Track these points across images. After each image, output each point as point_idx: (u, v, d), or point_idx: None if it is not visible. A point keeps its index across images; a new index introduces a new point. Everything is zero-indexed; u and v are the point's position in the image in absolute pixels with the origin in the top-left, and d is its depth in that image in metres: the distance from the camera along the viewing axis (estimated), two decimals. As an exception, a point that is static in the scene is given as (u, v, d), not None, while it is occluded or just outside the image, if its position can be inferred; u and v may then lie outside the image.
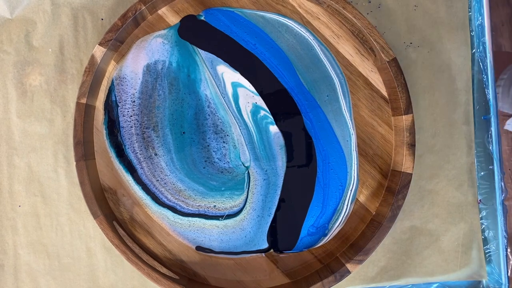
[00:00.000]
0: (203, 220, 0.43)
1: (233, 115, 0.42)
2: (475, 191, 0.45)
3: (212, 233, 0.43)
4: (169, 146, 0.42)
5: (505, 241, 0.45)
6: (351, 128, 0.43)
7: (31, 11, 0.44)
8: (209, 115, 0.42)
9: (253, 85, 0.42)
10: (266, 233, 0.43)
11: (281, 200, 0.43)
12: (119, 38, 0.41)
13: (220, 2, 0.43)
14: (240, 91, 0.42)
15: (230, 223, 0.43)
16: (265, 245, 0.43)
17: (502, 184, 0.45)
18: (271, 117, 0.42)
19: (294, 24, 0.43)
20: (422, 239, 0.44)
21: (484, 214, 0.45)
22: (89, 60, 0.40)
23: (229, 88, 0.42)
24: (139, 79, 0.42)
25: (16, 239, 0.44)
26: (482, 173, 0.45)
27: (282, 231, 0.43)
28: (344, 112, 0.43)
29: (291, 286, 0.42)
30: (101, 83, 0.42)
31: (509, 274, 0.45)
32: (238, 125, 0.42)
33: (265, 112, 0.42)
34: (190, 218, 0.43)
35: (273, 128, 0.42)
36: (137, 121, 0.42)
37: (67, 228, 0.44)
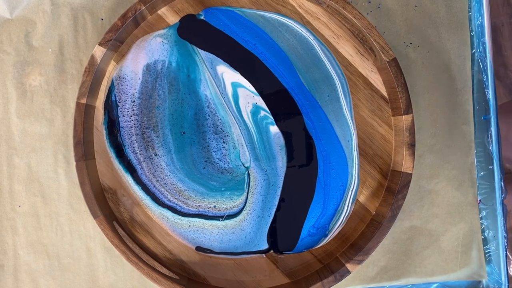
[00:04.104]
0: (203, 221, 0.42)
1: (233, 115, 0.42)
2: (475, 191, 0.45)
3: (212, 233, 0.43)
4: (169, 146, 0.42)
5: (505, 241, 0.45)
6: (352, 128, 0.43)
7: (31, 11, 0.44)
8: (209, 115, 0.42)
9: (253, 85, 0.42)
10: (266, 233, 0.43)
11: (281, 201, 0.43)
12: (119, 38, 0.41)
13: (220, 2, 0.43)
14: (240, 91, 0.42)
15: (230, 223, 0.43)
16: (265, 245, 0.43)
17: (502, 184, 0.45)
18: (271, 117, 0.42)
19: (294, 24, 0.43)
20: (422, 239, 0.44)
21: (484, 214, 0.45)
22: (89, 60, 0.40)
23: (229, 88, 0.42)
24: (139, 79, 0.42)
25: (16, 239, 0.44)
26: (482, 173, 0.45)
27: (282, 231, 0.43)
28: (345, 112, 0.43)
29: (291, 286, 0.42)
30: (101, 83, 0.42)
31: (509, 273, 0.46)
32: (238, 126, 0.42)
33: (265, 112, 0.42)
34: (190, 219, 0.43)
35: (273, 129, 0.42)
36: (137, 121, 0.42)
37: (67, 228, 0.44)
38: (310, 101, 0.42)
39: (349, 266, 0.40)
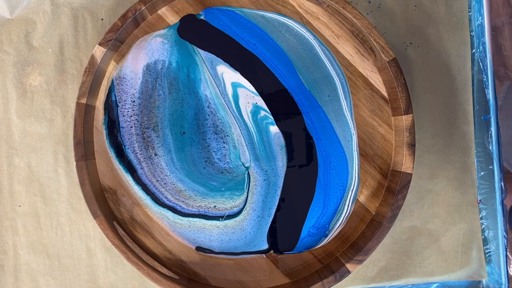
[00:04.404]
0: (203, 221, 0.43)
1: (233, 115, 0.42)
2: (475, 191, 0.45)
3: (212, 233, 0.43)
4: (169, 146, 0.42)
5: (505, 241, 0.45)
6: (352, 128, 0.43)
7: (31, 11, 0.44)
8: (209, 115, 0.42)
9: (253, 85, 0.42)
10: (266, 233, 0.43)
11: (281, 201, 0.43)
12: (119, 38, 0.41)
13: (220, 2, 0.43)
14: (240, 91, 0.42)
15: (230, 223, 0.43)
16: (265, 246, 0.43)
17: (502, 184, 0.45)
18: (272, 117, 0.42)
19: (295, 24, 0.43)
20: (422, 239, 0.45)
21: (484, 214, 0.45)
22: (89, 60, 0.40)
23: (229, 88, 0.42)
24: (139, 79, 0.42)
25: (16, 239, 0.44)
26: (482, 173, 0.45)
27: (283, 231, 0.43)
28: (345, 112, 0.43)
29: (291, 286, 0.42)
30: (101, 83, 0.42)
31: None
32: (238, 126, 0.42)
33: (265, 112, 0.42)
34: (190, 219, 0.43)
35: (274, 129, 0.42)
36: (137, 121, 0.42)
37: (67, 228, 0.44)
38: (310, 101, 0.42)
39: (349, 266, 0.40)
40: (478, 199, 0.45)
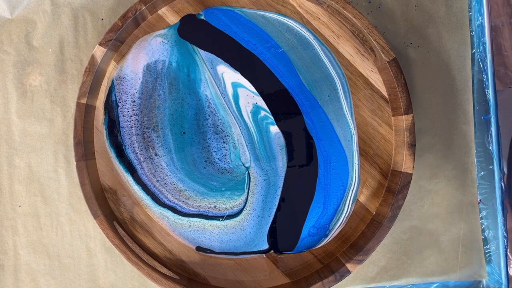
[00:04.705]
0: (203, 221, 0.43)
1: (233, 115, 0.42)
2: (475, 191, 0.45)
3: (212, 233, 0.43)
4: (169, 146, 0.42)
5: (505, 241, 0.45)
6: (353, 128, 0.43)
7: (31, 11, 0.44)
8: (209, 115, 0.42)
9: (253, 85, 0.42)
10: (267, 233, 0.43)
11: (281, 201, 0.43)
12: (119, 38, 0.41)
13: (220, 2, 0.43)
14: (240, 91, 0.42)
15: (230, 223, 0.43)
16: (266, 246, 0.43)
17: (502, 184, 0.45)
18: (272, 117, 0.42)
19: (295, 24, 0.43)
20: (422, 239, 0.45)
21: (484, 214, 0.45)
22: (89, 60, 0.40)
23: (229, 88, 0.42)
24: (139, 79, 0.42)
25: (16, 239, 0.44)
26: (482, 173, 0.46)
27: (283, 232, 0.43)
28: (345, 112, 0.43)
29: (291, 286, 0.42)
30: (101, 83, 0.42)
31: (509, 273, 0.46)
32: (239, 126, 0.42)
33: (265, 112, 0.42)
34: (190, 219, 0.43)
35: (274, 129, 0.42)
36: (137, 121, 0.42)
37: (67, 228, 0.44)
38: (311, 101, 0.42)
39: (349, 266, 0.40)
40: (478, 199, 0.45)
